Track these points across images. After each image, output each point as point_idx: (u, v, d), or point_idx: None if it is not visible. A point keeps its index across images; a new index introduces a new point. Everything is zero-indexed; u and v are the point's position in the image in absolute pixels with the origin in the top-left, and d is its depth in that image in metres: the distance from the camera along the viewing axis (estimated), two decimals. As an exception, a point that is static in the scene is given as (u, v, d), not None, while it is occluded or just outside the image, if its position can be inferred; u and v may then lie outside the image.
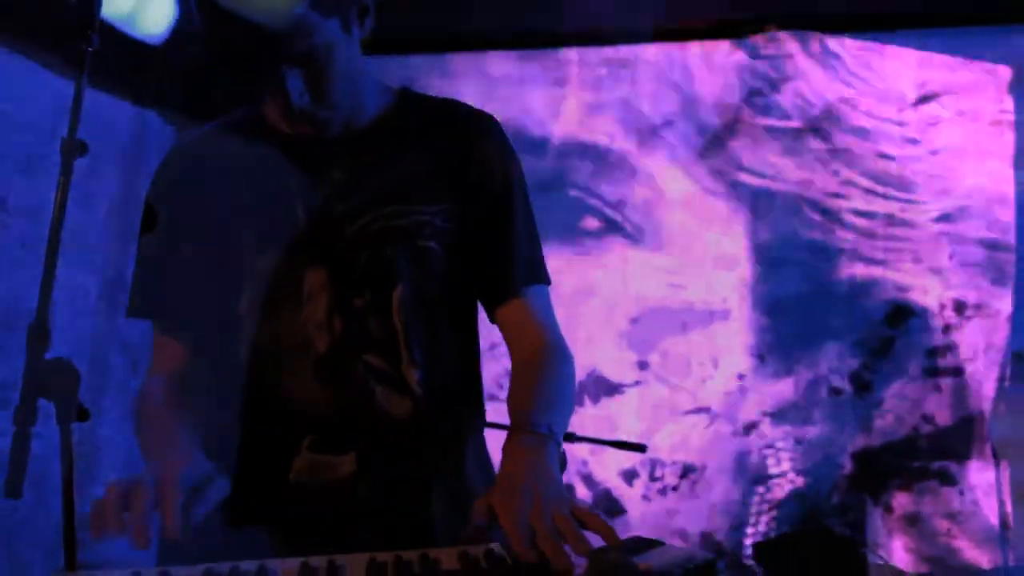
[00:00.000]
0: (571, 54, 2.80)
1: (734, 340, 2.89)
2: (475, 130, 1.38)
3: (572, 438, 2.59)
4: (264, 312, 1.28)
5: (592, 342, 2.91)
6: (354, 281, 1.28)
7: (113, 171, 2.62)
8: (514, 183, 1.38)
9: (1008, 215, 2.82)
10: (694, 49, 2.83)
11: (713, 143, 2.87)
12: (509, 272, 1.36)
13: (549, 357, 1.33)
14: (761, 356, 2.89)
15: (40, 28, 1.66)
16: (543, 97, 2.94)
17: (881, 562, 0.93)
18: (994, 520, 2.81)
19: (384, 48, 2.77)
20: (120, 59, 2.50)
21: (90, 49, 1.35)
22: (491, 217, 1.36)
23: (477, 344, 1.43)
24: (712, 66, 2.84)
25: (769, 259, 2.89)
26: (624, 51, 2.82)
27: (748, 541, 2.66)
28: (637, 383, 2.89)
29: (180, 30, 2.53)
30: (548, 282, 1.40)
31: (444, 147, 1.35)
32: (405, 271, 1.30)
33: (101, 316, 2.60)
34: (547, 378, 1.31)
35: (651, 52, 2.84)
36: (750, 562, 0.95)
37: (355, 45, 1.31)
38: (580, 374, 2.89)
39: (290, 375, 1.28)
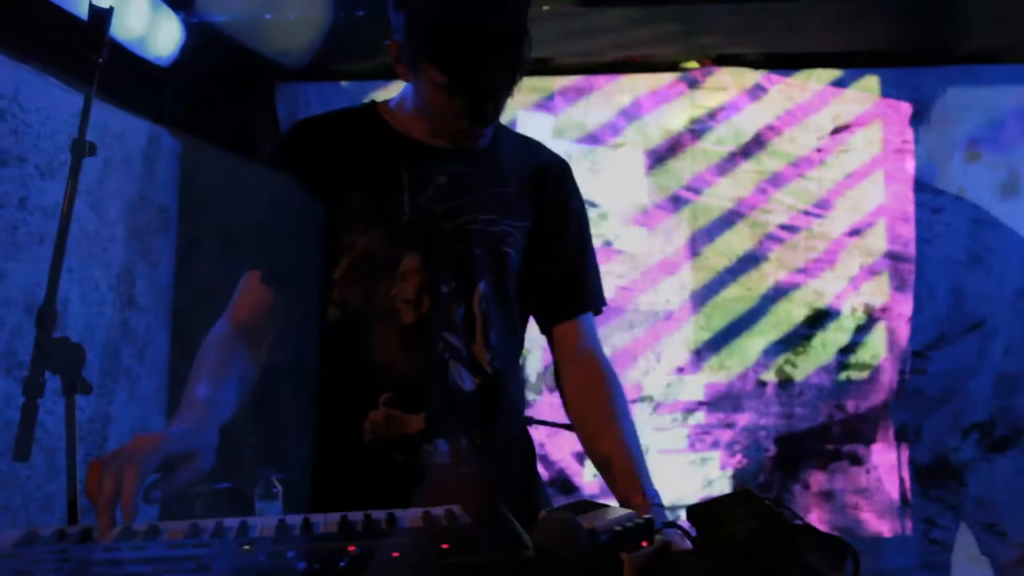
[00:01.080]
0: (532, 81, 2.79)
1: (674, 337, 2.90)
2: (554, 169, 1.45)
3: (531, 421, 2.58)
4: (361, 282, 1.31)
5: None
6: (444, 270, 1.32)
7: (125, 178, 2.58)
8: (583, 220, 1.45)
9: (909, 231, 2.85)
10: (643, 80, 2.83)
11: (658, 163, 2.87)
12: (574, 296, 1.41)
13: (615, 393, 1.34)
14: (698, 352, 2.89)
15: (61, 49, 1.64)
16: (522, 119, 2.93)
17: (800, 522, 0.92)
18: (895, 495, 2.83)
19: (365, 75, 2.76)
20: (133, 78, 2.48)
21: (100, 60, 1.34)
22: (562, 245, 1.41)
23: (522, 346, 1.46)
24: (658, 96, 2.85)
25: (706, 266, 2.90)
26: (581, 80, 2.81)
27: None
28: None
29: (187, 53, 2.51)
30: (600, 312, 1.44)
31: (529, 177, 1.40)
32: (488, 269, 1.33)
33: (111, 307, 2.55)
34: (631, 432, 1.31)
35: (605, 82, 2.84)
36: (685, 523, 0.94)
37: None
38: (540, 366, 2.89)
39: (376, 339, 1.31)
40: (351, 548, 0.79)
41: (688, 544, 0.97)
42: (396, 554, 0.78)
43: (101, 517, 0.91)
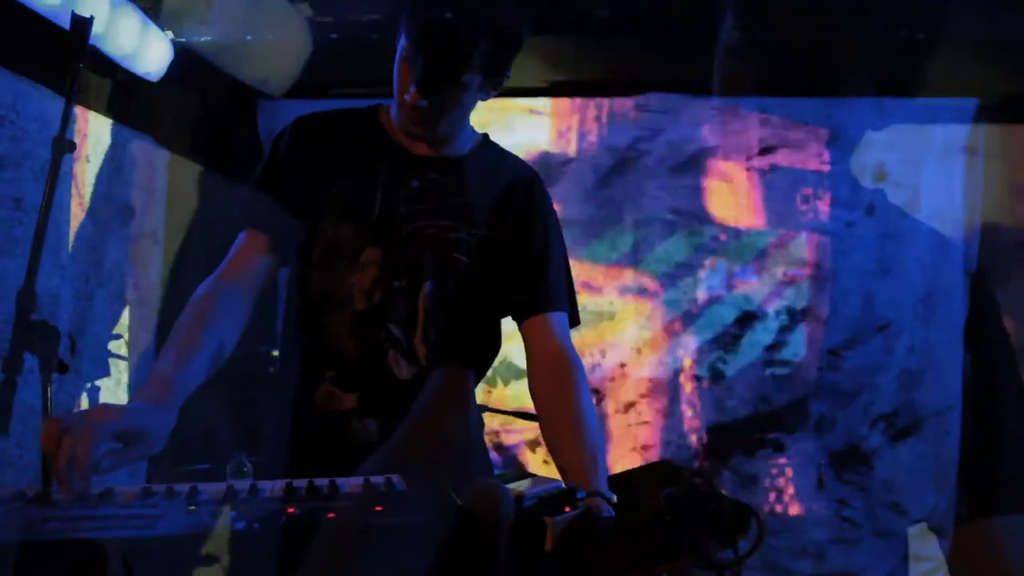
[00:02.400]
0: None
1: (618, 336, 2.89)
2: (524, 185, 1.41)
3: (485, 409, 2.55)
4: (328, 268, 1.31)
5: (506, 336, 2.87)
6: (398, 267, 1.31)
7: (115, 184, 2.52)
8: (548, 227, 1.41)
9: (826, 243, 2.88)
10: (593, 103, 2.83)
11: (605, 178, 2.87)
12: (537, 294, 1.37)
13: (579, 392, 1.31)
14: (639, 349, 2.89)
15: (55, 63, 1.59)
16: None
17: (710, 490, 0.91)
18: (813, 478, 2.85)
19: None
20: (124, 92, 2.42)
21: (81, 65, 1.30)
22: (526, 249, 1.37)
23: (493, 342, 1.43)
24: (606, 117, 2.84)
25: (648, 272, 2.89)
26: (534, 101, 2.80)
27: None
28: (540, 368, 2.86)
29: (174, 70, 2.45)
30: (567, 311, 1.39)
31: (499, 188, 1.38)
32: (436, 272, 1.32)
33: (101, 303, 2.48)
34: (592, 431, 1.27)
35: (556, 103, 2.83)
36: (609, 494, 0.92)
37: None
38: (495, 361, 2.85)
39: (331, 321, 1.30)
40: (290, 510, 0.76)
41: (610, 511, 0.96)
42: (332, 515, 0.76)
43: (59, 481, 0.87)
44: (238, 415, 1.79)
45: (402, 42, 1.27)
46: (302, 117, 1.39)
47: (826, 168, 2.87)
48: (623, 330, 2.88)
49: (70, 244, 2.33)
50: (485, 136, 1.43)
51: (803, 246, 2.88)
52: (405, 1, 1.26)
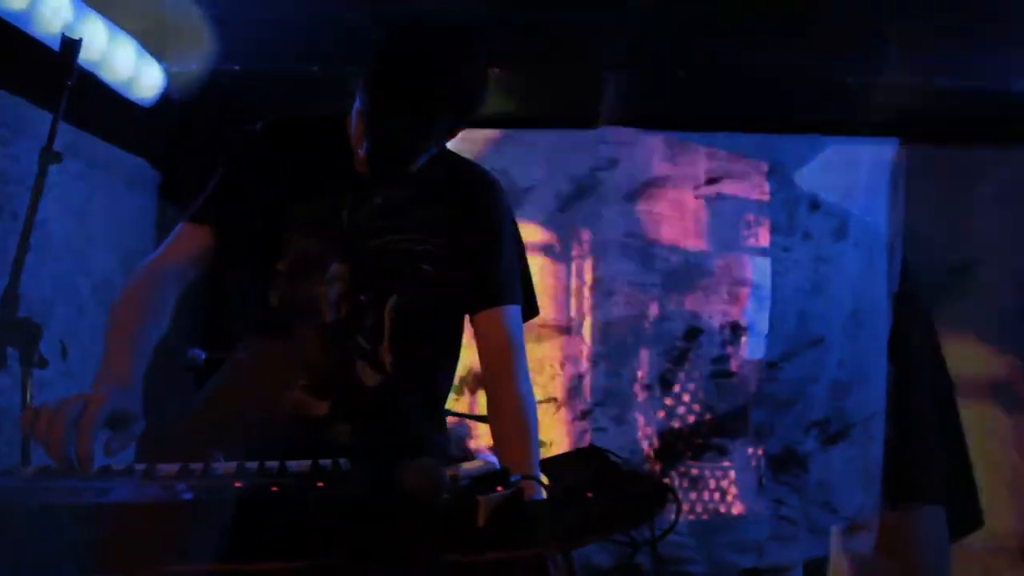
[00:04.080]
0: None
1: (576, 349, 2.90)
2: (481, 190, 1.38)
3: (451, 413, 2.54)
4: (297, 279, 1.27)
5: (472, 347, 2.87)
6: (365, 281, 1.28)
7: (108, 201, 2.50)
8: (503, 229, 1.37)
9: (766, 265, 2.91)
10: (553, 134, 2.85)
11: (565, 204, 2.89)
12: (487, 288, 1.34)
13: (517, 374, 1.30)
14: (595, 361, 2.89)
15: (48, 84, 1.58)
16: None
17: (631, 471, 0.91)
18: (752, 480, 2.86)
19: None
20: (118, 116, 2.42)
21: (70, 83, 1.30)
22: (482, 251, 1.34)
23: (456, 347, 1.40)
24: (566, 147, 2.87)
25: (602, 290, 2.90)
26: (497, 132, 2.82)
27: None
28: (504, 377, 2.85)
29: (167, 96, 2.46)
30: (520, 304, 1.37)
31: (456, 198, 1.35)
32: (402, 284, 1.29)
33: (92, 311, 2.45)
34: (528, 417, 1.27)
35: (521, 134, 2.85)
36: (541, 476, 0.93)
37: None
38: (462, 370, 2.84)
39: (301, 331, 1.27)
40: (237, 484, 0.75)
41: (541, 492, 0.96)
42: (275, 488, 0.75)
43: (61, 464, 0.85)
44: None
45: (359, 97, 1.19)
46: (273, 121, 1.35)
47: (766, 198, 2.92)
48: (581, 343, 2.89)
49: (63, 256, 2.30)
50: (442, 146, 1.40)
51: (745, 268, 2.91)
52: (364, 60, 1.18)
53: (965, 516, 2.68)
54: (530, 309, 1.39)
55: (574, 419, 2.87)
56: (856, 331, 2.92)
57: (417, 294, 1.29)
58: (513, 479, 0.93)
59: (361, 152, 1.21)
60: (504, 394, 1.28)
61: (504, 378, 1.29)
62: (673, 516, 0.92)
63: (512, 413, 1.25)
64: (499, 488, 0.88)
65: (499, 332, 1.32)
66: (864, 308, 2.92)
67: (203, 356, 1.95)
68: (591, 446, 0.88)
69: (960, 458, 2.72)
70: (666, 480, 2.79)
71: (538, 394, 2.84)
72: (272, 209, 1.26)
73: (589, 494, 0.84)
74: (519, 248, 1.40)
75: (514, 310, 1.35)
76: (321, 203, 1.28)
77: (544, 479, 0.91)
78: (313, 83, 2.37)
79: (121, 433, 0.96)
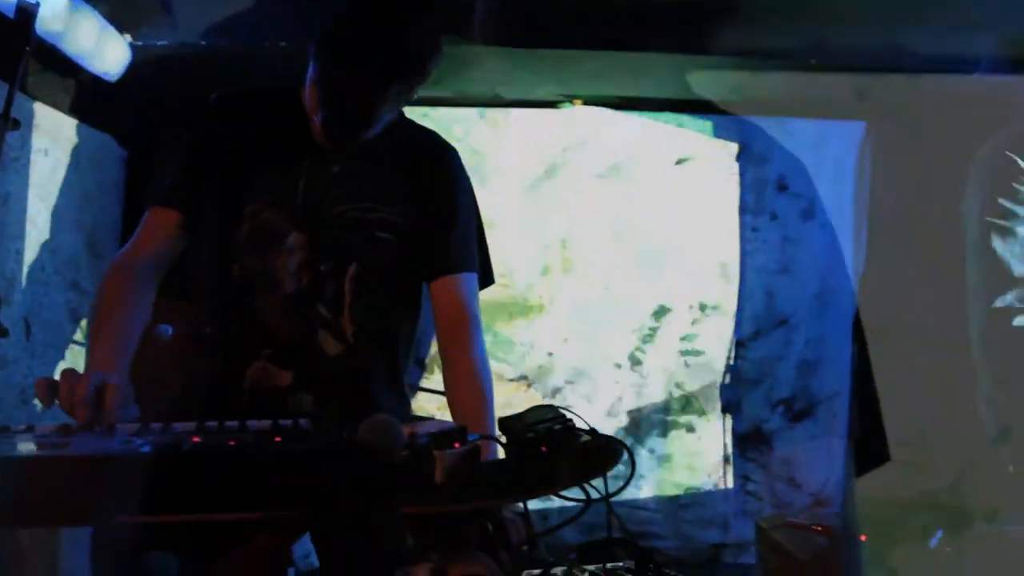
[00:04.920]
0: (435, 110, 2.79)
1: (547, 327, 2.92)
2: (437, 157, 1.39)
3: (422, 389, 2.57)
4: (257, 250, 1.28)
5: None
6: (324, 251, 1.28)
7: (74, 178, 2.47)
8: (459, 197, 1.38)
9: (734, 245, 2.96)
10: (525, 113, 2.86)
11: (536, 183, 2.90)
12: (442, 255, 1.35)
13: (473, 338, 1.32)
14: (566, 339, 2.92)
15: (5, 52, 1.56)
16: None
17: (585, 427, 0.93)
18: (720, 457, 2.91)
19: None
20: (83, 90, 2.38)
21: (28, 49, 1.28)
22: (438, 218, 1.35)
23: (416, 315, 1.41)
24: (537, 127, 2.88)
25: (575, 269, 2.93)
26: (471, 112, 2.82)
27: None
28: (475, 356, 2.87)
29: (132, 71, 2.42)
30: (476, 271, 1.38)
31: (413, 166, 1.36)
32: (361, 253, 1.30)
33: (56, 289, 2.43)
34: (483, 380, 1.29)
35: (492, 113, 2.86)
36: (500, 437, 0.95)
37: None
38: (433, 349, 2.86)
39: (263, 302, 1.28)
40: (195, 438, 0.77)
41: (501, 453, 0.98)
42: (232, 442, 0.77)
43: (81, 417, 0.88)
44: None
45: (311, 65, 1.21)
46: (224, 95, 1.35)
47: (735, 178, 2.95)
48: (552, 322, 2.92)
49: (27, 233, 2.28)
50: (399, 114, 1.39)
51: (714, 247, 2.95)
52: (314, 30, 1.19)
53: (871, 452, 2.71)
54: (487, 277, 1.41)
55: (544, 397, 2.90)
56: (822, 311, 2.98)
57: (376, 262, 1.30)
58: (471, 438, 0.95)
59: (317, 120, 1.22)
60: (460, 360, 1.30)
61: (460, 344, 1.31)
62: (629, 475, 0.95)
63: (468, 378, 1.27)
64: (456, 445, 0.90)
65: (455, 299, 1.34)
66: (829, 289, 2.98)
67: (170, 331, 1.95)
68: (546, 404, 0.90)
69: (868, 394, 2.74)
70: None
71: (509, 373, 2.88)
72: (231, 182, 1.27)
73: (544, 449, 0.86)
74: (476, 217, 1.41)
75: (470, 277, 1.37)
76: (277, 174, 1.28)
77: (502, 438, 0.94)
78: (282, 59, 2.35)
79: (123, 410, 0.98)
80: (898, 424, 2.42)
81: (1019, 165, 1.43)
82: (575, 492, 0.93)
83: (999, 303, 1.39)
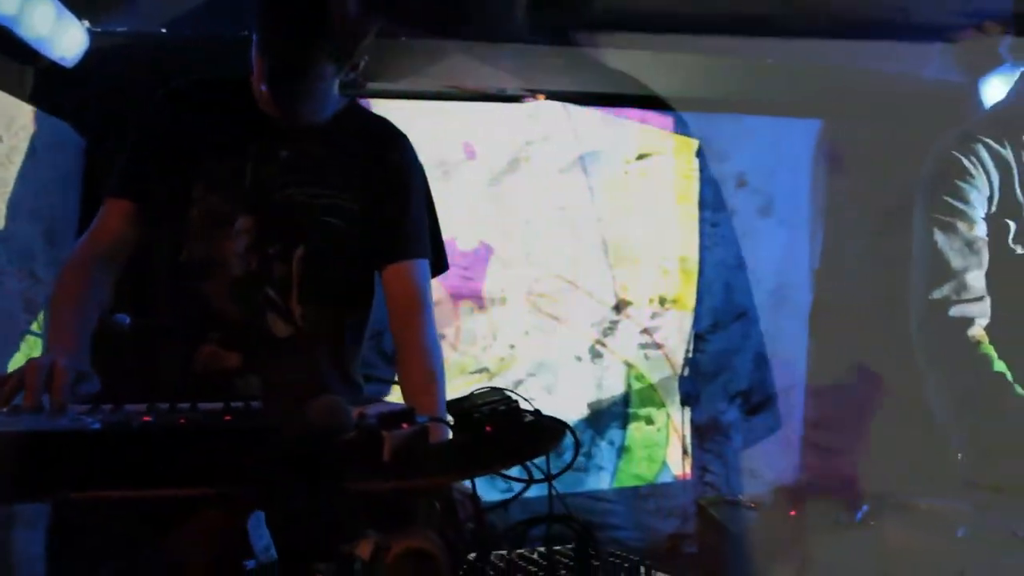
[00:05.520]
0: (399, 104, 2.80)
1: (508, 320, 2.95)
2: (388, 144, 1.42)
3: (370, 378, 2.58)
4: (205, 233, 1.30)
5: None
6: (272, 234, 1.31)
7: (29, 166, 2.44)
8: (411, 184, 1.41)
9: (694, 240, 3.02)
10: (487, 108, 2.88)
11: (498, 177, 2.93)
12: (395, 242, 1.38)
13: (424, 323, 1.34)
14: (527, 332, 2.95)
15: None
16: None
17: (529, 409, 0.97)
18: (679, 448, 2.97)
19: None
20: (39, 76, 2.35)
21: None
22: (389, 205, 1.38)
23: (368, 301, 1.44)
24: (500, 121, 2.90)
25: (536, 263, 2.96)
26: (433, 105, 2.84)
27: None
28: (438, 348, 2.89)
29: (90, 57, 2.40)
30: (428, 257, 1.40)
31: (364, 152, 1.38)
32: (309, 237, 1.32)
33: (11, 279, 2.40)
34: (434, 363, 1.32)
35: (455, 107, 2.88)
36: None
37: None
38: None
39: (211, 285, 1.30)
40: (145, 418, 0.79)
41: (450, 434, 1.02)
42: (183, 420, 0.79)
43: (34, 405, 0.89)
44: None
45: (253, 38, 1.26)
46: (174, 88, 1.38)
47: (695, 174, 3.02)
48: (513, 314, 2.95)
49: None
50: (351, 101, 1.43)
51: (675, 242, 3.01)
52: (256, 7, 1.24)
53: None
54: (439, 264, 1.44)
55: (505, 389, 2.93)
56: (779, 305, 3.06)
57: (325, 247, 1.33)
58: (420, 420, 0.99)
59: (263, 88, 1.25)
60: (411, 343, 1.33)
61: (411, 330, 1.34)
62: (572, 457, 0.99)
63: (419, 362, 1.31)
64: (404, 426, 0.94)
65: (406, 285, 1.37)
66: (786, 283, 3.06)
67: (127, 321, 1.95)
68: (494, 387, 0.94)
69: None
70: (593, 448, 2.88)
71: (470, 365, 2.91)
72: (179, 169, 1.30)
73: (488, 428, 0.90)
74: (428, 203, 1.44)
75: (422, 264, 1.40)
76: (225, 159, 1.32)
77: (450, 420, 0.97)
78: (242, 47, 2.35)
79: (89, 382, 1.00)
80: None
81: (962, 163, 1.50)
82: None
83: (936, 294, 1.46)
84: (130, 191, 1.31)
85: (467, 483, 1.00)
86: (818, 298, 3.04)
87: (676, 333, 3.00)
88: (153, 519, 0.91)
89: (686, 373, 2.99)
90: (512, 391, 0.94)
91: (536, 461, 0.97)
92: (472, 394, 0.96)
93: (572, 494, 2.91)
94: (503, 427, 0.91)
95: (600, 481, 2.95)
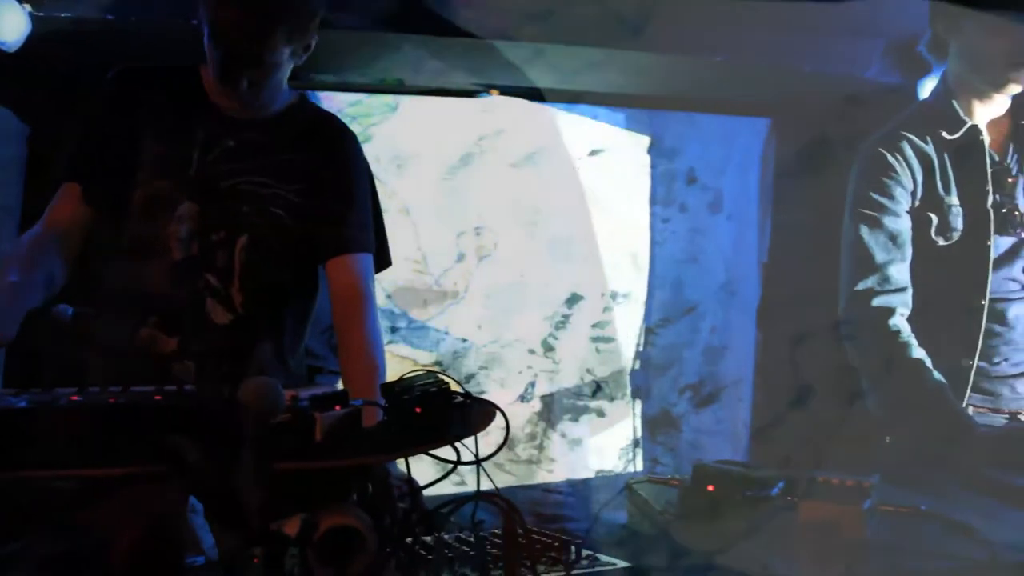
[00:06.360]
0: (352, 97, 2.81)
1: (461, 314, 2.98)
2: (335, 139, 1.45)
3: (319, 371, 2.59)
4: (148, 217, 1.32)
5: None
6: (215, 221, 1.34)
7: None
8: (356, 179, 1.44)
9: (645, 235, 3.08)
10: (442, 102, 2.90)
11: (451, 171, 2.95)
12: (338, 236, 1.41)
13: (366, 315, 1.37)
14: (480, 326, 2.99)
15: None
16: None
17: (461, 392, 1.01)
18: (630, 440, 3.04)
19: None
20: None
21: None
22: (334, 199, 1.41)
23: (311, 293, 1.47)
24: (454, 115, 2.92)
25: (488, 257, 2.99)
26: (387, 99, 2.85)
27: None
28: (389, 343, 2.91)
29: (33, 42, 2.36)
30: (372, 252, 1.43)
31: (311, 146, 1.40)
32: (252, 226, 1.35)
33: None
34: (374, 354, 1.35)
35: (408, 101, 2.89)
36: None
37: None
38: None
39: (152, 268, 1.32)
40: (73, 397, 0.81)
41: (381, 414, 1.05)
42: (112, 400, 0.81)
43: None
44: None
45: (204, 25, 1.28)
46: (124, 70, 1.39)
47: (647, 169, 3.08)
48: (466, 308, 2.98)
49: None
50: (301, 95, 1.46)
51: (626, 237, 3.07)
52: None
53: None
54: (382, 260, 1.47)
55: (458, 382, 2.96)
56: (728, 300, 3.14)
57: (268, 237, 1.35)
58: (354, 403, 1.01)
59: (216, 77, 1.27)
60: (353, 335, 1.36)
61: (354, 323, 1.37)
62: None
63: (360, 352, 1.34)
64: (337, 408, 0.96)
65: (349, 278, 1.40)
66: (735, 278, 3.14)
67: (70, 312, 1.94)
68: (428, 370, 0.98)
69: None
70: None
71: (423, 359, 2.94)
72: (126, 153, 1.31)
73: (418, 409, 0.93)
74: (373, 199, 1.48)
75: (365, 258, 1.43)
76: (172, 144, 1.34)
77: (383, 402, 1.00)
78: (187, 35, 2.34)
79: None
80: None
81: (886, 160, 1.57)
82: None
83: (861, 286, 1.54)
84: (78, 173, 1.33)
85: (399, 464, 1.03)
86: (766, 292, 3.13)
87: (627, 327, 3.06)
88: (83, 501, 0.93)
89: (637, 366, 3.05)
90: (444, 373, 0.98)
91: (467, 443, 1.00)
92: (404, 377, 0.99)
93: (525, 486, 2.96)
94: (432, 408, 0.95)
95: (552, 474, 3.00)
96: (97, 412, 0.78)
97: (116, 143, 1.32)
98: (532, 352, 3.01)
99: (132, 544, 0.88)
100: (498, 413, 1.00)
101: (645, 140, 3.07)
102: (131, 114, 1.34)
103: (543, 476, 3.00)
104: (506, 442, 1.04)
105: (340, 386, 2.56)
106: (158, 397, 0.83)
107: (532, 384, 3.01)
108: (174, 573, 0.87)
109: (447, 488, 1.06)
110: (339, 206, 1.41)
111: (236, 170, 1.35)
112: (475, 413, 0.98)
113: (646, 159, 3.07)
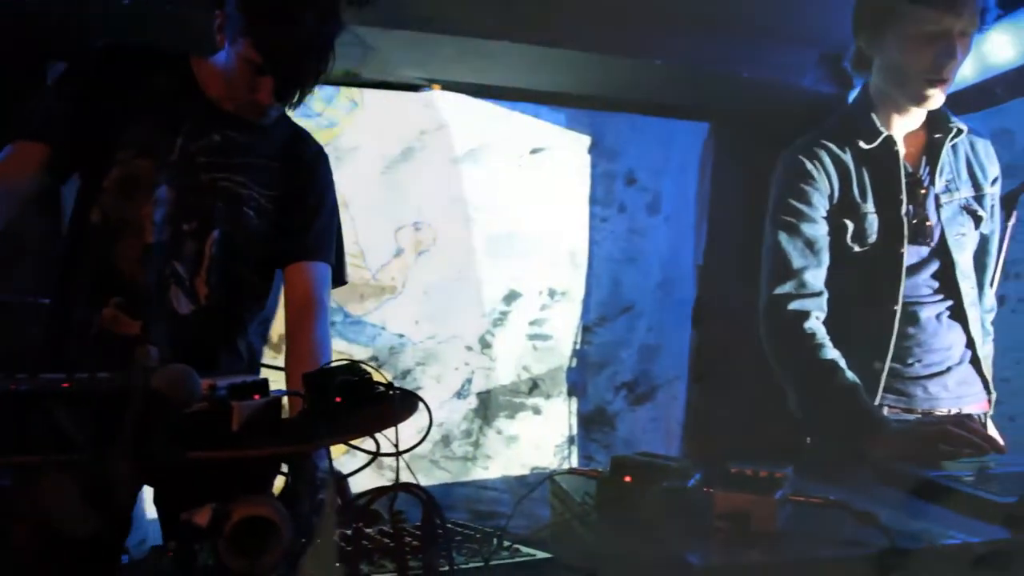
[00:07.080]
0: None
1: (399, 310, 2.98)
2: (314, 158, 1.51)
3: (267, 366, 2.55)
4: (122, 197, 1.31)
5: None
6: (190, 211, 1.35)
7: None
8: (325, 197, 1.51)
9: (584, 235, 3.13)
10: (384, 94, 2.89)
11: (391, 165, 2.95)
12: (299, 244, 1.45)
13: (316, 321, 1.40)
14: (417, 322, 2.99)
15: None
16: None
17: (385, 382, 1.01)
18: (565, 437, 3.08)
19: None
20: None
21: None
22: (302, 210, 1.46)
23: (267, 295, 1.50)
24: (395, 110, 2.92)
25: (427, 252, 3.00)
26: (329, 90, 2.83)
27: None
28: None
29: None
30: (331, 264, 1.48)
31: (289, 157, 1.46)
32: (226, 221, 1.37)
33: None
34: (321, 360, 1.35)
35: (351, 92, 2.88)
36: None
37: None
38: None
39: (121, 248, 1.32)
40: (12, 386, 0.79)
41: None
42: (13, 387, 0.79)
43: None
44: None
45: (240, 40, 1.28)
46: (114, 44, 1.38)
47: (586, 169, 3.13)
48: (404, 304, 2.98)
49: None
50: (284, 112, 1.50)
51: (564, 236, 3.11)
52: (247, 13, 1.28)
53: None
54: (339, 277, 1.51)
55: (395, 378, 2.96)
56: (664, 299, 3.21)
57: (238, 234, 1.38)
58: (274, 393, 1.01)
59: (257, 95, 1.28)
60: (302, 340, 1.38)
61: (304, 326, 1.40)
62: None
63: (307, 357, 1.36)
64: (256, 397, 0.96)
65: (306, 284, 1.44)
66: (671, 278, 3.22)
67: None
68: (352, 362, 0.98)
69: None
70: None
71: (359, 354, 2.92)
72: (107, 127, 1.30)
73: (338, 399, 0.94)
74: (336, 220, 1.55)
75: (324, 267, 1.48)
76: (157, 128, 1.34)
77: (303, 392, 1.00)
78: (137, 21, 2.28)
79: None
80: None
81: (805, 167, 1.63)
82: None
83: (779, 290, 1.59)
84: (48, 135, 1.30)
85: (324, 456, 1.03)
86: (701, 293, 3.21)
87: (564, 325, 3.10)
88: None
89: (574, 364, 3.10)
90: (367, 364, 0.98)
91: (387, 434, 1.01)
92: (325, 367, 0.99)
93: (460, 483, 2.97)
94: (353, 398, 0.95)
95: (488, 470, 3.02)
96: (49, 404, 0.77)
97: (96, 114, 1.30)
98: (469, 349, 3.03)
99: (30, 534, 0.86)
100: (421, 404, 1.01)
101: (586, 140, 3.11)
102: (117, 89, 1.33)
103: (479, 473, 3.01)
104: (428, 433, 1.05)
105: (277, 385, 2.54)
106: (66, 384, 0.82)
107: (469, 381, 3.03)
108: (77, 563, 0.85)
109: (379, 481, 1.06)
110: (306, 218, 1.46)
111: (218, 165, 1.36)
112: (397, 404, 0.99)
113: (587, 159, 3.11)
